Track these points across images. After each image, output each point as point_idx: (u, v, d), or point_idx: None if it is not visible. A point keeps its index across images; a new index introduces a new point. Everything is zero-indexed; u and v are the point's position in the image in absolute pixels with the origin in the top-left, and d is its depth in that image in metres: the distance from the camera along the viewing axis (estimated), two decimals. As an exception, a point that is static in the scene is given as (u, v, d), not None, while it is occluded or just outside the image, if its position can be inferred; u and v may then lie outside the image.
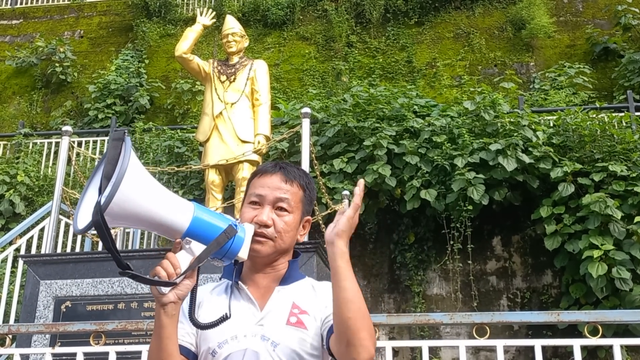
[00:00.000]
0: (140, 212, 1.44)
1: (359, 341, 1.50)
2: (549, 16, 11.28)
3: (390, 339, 7.30)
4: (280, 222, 1.74)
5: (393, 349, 3.19)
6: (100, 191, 1.40)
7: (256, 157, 6.09)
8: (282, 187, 1.77)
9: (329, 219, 7.19)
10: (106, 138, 10.12)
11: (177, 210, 1.49)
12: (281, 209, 1.76)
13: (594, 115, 7.93)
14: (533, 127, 7.65)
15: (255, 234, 1.66)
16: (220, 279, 1.83)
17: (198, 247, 1.52)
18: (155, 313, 1.55)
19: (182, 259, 1.51)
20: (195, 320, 1.58)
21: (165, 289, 1.50)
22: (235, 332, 1.66)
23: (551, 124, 8.24)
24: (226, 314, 1.59)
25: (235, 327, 1.66)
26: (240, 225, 1.58)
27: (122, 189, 1.37)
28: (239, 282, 1.74)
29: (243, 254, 1.57)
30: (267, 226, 1.72)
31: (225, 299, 1.72)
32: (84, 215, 1.44)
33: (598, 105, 8.69)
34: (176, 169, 7.24)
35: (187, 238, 1.51)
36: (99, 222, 1.37)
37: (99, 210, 1.37)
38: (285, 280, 1.77)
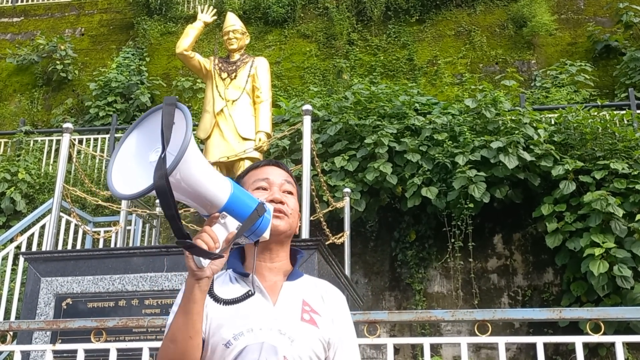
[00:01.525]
0: (192, 182, 1.44)
1: None
2: (550, 14, 11.26)
3: (391, 337, 7.29)
4: (291, 201, 1.80)
5: (394, 346, 3.19)
6: (162, 153, 1.36)
7: (257, 155, 6.08)
8: (283, 174, 1.85)
9: (331, 216, 7.19)
10: (107, 136, 10.12)
11: (219, 184, 1.50)
12: (288, 192, 1.81)
13: (596, 113, 7.92)
14: (534, 124, 7.65)
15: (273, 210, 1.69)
16: (226, 269, 1.80)
17: (232, 223, 1.53)
18: (187, 288, 1.51)
19: (218, 233, 1.51)
20: (216, 295, 1.55)
21: (204, 262, 1.49)
22: (250, 324, 1.63)
23: (552, 122, 8.23)
24: (250, 291, 1.58)
25: (251, 319, 1.63)
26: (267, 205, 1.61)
27: (186, 156, 1.36)
28: (250, 274, 1.71)
29: (267, 233, 1.59)
30: (282, 203, 1.77)
31: (237, 286, 1.70)
32: (129, 182, 1.43)
33: (599, 103, 8.68)
34: (177, 166, 7.23)
35: (223, 212, 1.52)
36: (164, 187, 1.35)
37: (165, 175, 1.34)
38: (291, 276, 1.77)
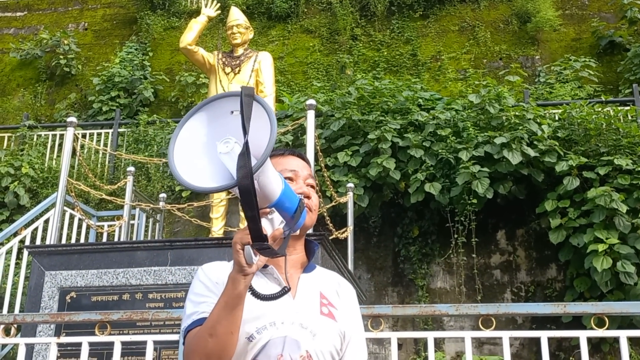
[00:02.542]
0: (263, 178, 1.40)
1: None
2: (554, 9, 11.23)
3: (393, 332, 7.29)
4: (314, 196, 1.80)
5: (397, 340, 3.19)
6: (246, 151, 1.31)
7: (261, 149, 6.08)
8: (307, 167, 1.84)
9: (334, 211, 7.18)
10: (110, 130, 10.12)
11: (275, 180, 1.48)
12: (311, 186, 1.81)
13: (600, 109, 7.90)
14: (538, 120, 7.63)
15: None
16: None
17: (277, 218, 1.50)
18: (232, 283, 1.49)
19: (266, 228, 1.48)
20: (256, 291, 1.53)
21: (254, 259, 1.47)
22: (273, 318, 1.62)
23: (556, 118, 8.21)
24: (286, 287, 1.57)
25: (273, 313, 1.63)
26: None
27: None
28: (269, 266, 1.70)
29: (298, 229, 1.58)
30: (309, 198, 1.76)
31: (257, 278, 1.68)
32: (196, 173, 1.37)
33: (603, 99, 8.66)
34: (180, 161, 7.23)
35: (272, 208, 1.49)
36: (249, 187, 1.31)
37: (249, 174, 1.30)
38: (307, 268, 1.77)
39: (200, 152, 1.41)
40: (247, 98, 1.37)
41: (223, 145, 1.38)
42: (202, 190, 1.40)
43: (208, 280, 1.66)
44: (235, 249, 1.47)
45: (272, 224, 1.50)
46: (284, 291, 1.57)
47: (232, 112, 1.41)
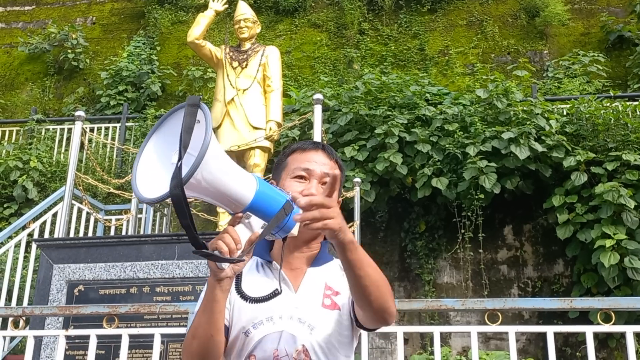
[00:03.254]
0: (214, 182, 1.40)
1: (388, 310, 1.56)
2: (563, 4, 11.16)
3: (400, 326, 7.30)
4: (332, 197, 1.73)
5: (403, 335, 3.19)
6: (179, 162, 1.33)
7: (268, 144, 6.09)
8: (327, 163, 1.75)
9: (341, 206, 7.18)
10: (118, 124, 10.15)
11: (243, 183, 1.46)
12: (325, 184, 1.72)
13: (608, 104, 7.87)
14: (546, 115, 7.60)
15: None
16: (252, 256, 1.76)
17: (256, 222, 1.49)
18: (209, 287, 1.51)
19: (241, 233, 1.48)
20: (244, 293, 1.55)
21: (224, 264, 1.47)
22: (270, 313, 1.63)
23: (564, 113, 8.18)
24: (277, 289, 1.56)
25: (270, 308, 1.63)
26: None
27: (206, 157, 1.33)
28: (273, 262, 1.71)
29: (295, 230, 1.54)
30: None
31: (263, 274, 1.70)
32: (152, 184, 1.39)
33: (612, 94, 8.61)
34: (188, 155, 7.26)
35: (247, 212, 1.48)
36: (180, 196, 1.32)
37: (180, 184, 1.32)
38: (316, 261, 1.75)
39: (159, 165, 1.43)
40: (191, 108, 1.38)
41: (175, 155, 1.39)
42: (145, 200, 1.40)
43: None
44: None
45: (251, 228, 1.49)
46: (275, 294, 1.55)
47: (198, 121, 1.41)
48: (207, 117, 1.38)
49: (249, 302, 1.56)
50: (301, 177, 1.73)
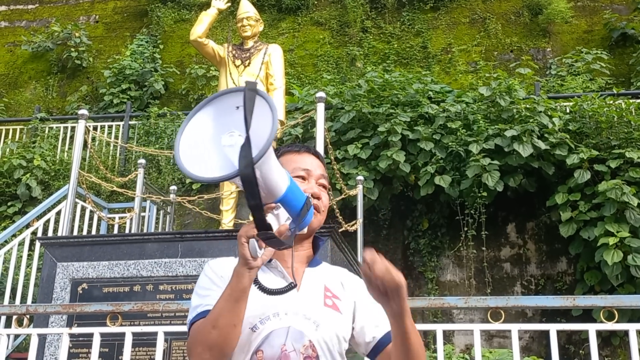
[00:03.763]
0: (263, 170, 1.41)
1: None
2: (566, 1, 11.14)
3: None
4: (325, 197, 1.80)
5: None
6: (247, 141, 1.33)
7: (270, 142, 6.08)
8: (321, 166, 1.84)
9: (344, 204, 7.19)
10: (121, 123, 10.17)
11: (281, 175, 1.49)
12: (323, 186, 1.81)
13: (611, 102, 7.85)
14: (549, 113, 7.59)
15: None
16: None
17: (283, 214, 1.51)
18: (237, 276, 1.51)
19: (271, 223, 1.49)
20: (262, 284, 1.55)
21: (259, 252, 1.48)
22: (276, 308, 1.64)
23: (567, 110, 8.17)
24: (292, 282, 1.58)
25: (276, 304, 1.64)
26: None
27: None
28: (273, 260, 1.71)
29: (306, 229, 1.59)
30: (319, 198, 1.76)
31: (263, 273, 1.69)
32: (199, 164, 1.39)
33: (615, 92, 8.60)
34: (191, 153, 7.27)
35: (278, 204, 1.49)
36: (251, 176, 1.32)
37: (251, 163, 1.32)
38: (312, 262, 1.79)
39: (207, 145, 1.43)
40: (250, 92, 1.39)
41: (227, 137, 1.40)
42: (204, 180, 1.41)
43: (213, 274, 1.68)
44: (240, 242, 1.48)
45: (278, 220, 1.50)
46: (291, 286, 1.58)
47: (238, 107, 1.43)
48: (272, 104, 1.39)
49: (267, 294, 1.57)
50: (301, 177, 1.78)
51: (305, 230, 1.59)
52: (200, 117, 1.46)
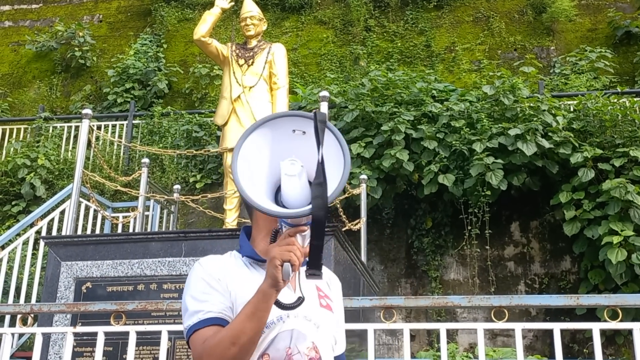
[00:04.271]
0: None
1: None
2: (570, -1, 11.12)
3: (406, 323, 7.30)
4: None
5: (410, 331, 3.20)
6: (324, 183, 1.32)
7: (274, 141, 6.08)
8: None
9: (347, 203, 7.19)
10: (125, 122, 10.18)
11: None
12: None
13: (615, 100, 7.83)
14: (553, 112, 7.58)
15: None
16: (242, 256, 1.78)
17: (308, 235, 1.51)
18: (264, 296, 1.52)
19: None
20: (279, 301, 1.56)
21: (291, 275, 1.49)
22: (279, 312, 1.64)
23: (571, 109, 8.15)
24: (301, 297, 1.59)
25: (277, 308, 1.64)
26: None
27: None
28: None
29: None
30: None
31: (256, 273, 1.71)
32: (261, 188, 1.38)
33: (619, 90, 8.57)
34: (195, 152, 7.29)
35: (308, 226, 1.49)
36: (323, 219, 1.33)
37: (325, 206, 1.31)
38: (303, 262, 1.79)
39: (259, 169, 1.42)
40: (321, 124, 1.36)
41: (289, 166, 1.38)
42: (272, 213, 1.40)
43: (210, 278, 1.66)
44: (274, 264, 1.48)
45: (304, 240, 1.52)
46: (300, 301, 1.59)
47: (294, 131, 1.41)
48: (340, 137, 1.37)
49: (282, 309, 1.58)
50: None
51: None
52: (255, 137, 1.43)
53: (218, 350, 1.53)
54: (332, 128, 1.39)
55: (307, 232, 1.50)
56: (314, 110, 1.42)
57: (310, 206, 1.34)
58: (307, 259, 1.51)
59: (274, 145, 1.42)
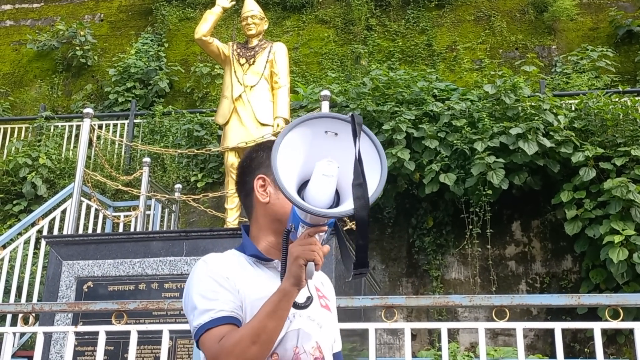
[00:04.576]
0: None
1: None
2: (571, -2, 11.11)
3: (407, 322, 7.30)
4: None
5: (411, 331, 3.20)
6: (364, 184, 1.35)
7: (275, 140, 6.08)
8: None
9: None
10: (126, 121, 10.18)
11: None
12: None
13: (617, 99, 7.83)
14: (554, 111, 7.57)
15: None
16: (246, 255, 1.77)
17: (325, 235, 1.53)
18: (285, 296, 1.52)
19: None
20: (294, 301, 1.56)
21: (314, 274, 1.51)
22: (290, 311, 1.63)
23: (573, 108, 8.14)
24: (310, 296, 1.59)
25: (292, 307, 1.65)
26: None
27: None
28: (275, 260, 1.72)
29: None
30: None
31: (260, 271, 1.71)
32: (300, 185, 1.40)
33: (621, 89, 8.56)
34: (196, 151, 7.30)
35: (328, 226, 1.51)
36: (365, 220, 1.35)
37: (367, 206, 1.34)
38: None
39: (302, 169, 1.43)
40: (358, 127, 1.39)
41: (327, 166, 1.39)
42: (318, 213, 1.41)
43: (218, 276, 1.65)
44: (297, 263, 1.48)
45: (321, 240, 1.53)
46: (310, 301, 1.60)
47: (326, 132, 1.42)
48: (375, 141, 1.40)
49: (296, 309, 1.58)
50: None
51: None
52: (292, 136, 1.44)
53: (237, 349, 1.52)
54: (368, 131, 1.41)
55: (325, 233, 1.52)
56: (350, 113, 1.43)
57: (351, 207, 1.35)
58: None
59: (307, 145, 1.43)
